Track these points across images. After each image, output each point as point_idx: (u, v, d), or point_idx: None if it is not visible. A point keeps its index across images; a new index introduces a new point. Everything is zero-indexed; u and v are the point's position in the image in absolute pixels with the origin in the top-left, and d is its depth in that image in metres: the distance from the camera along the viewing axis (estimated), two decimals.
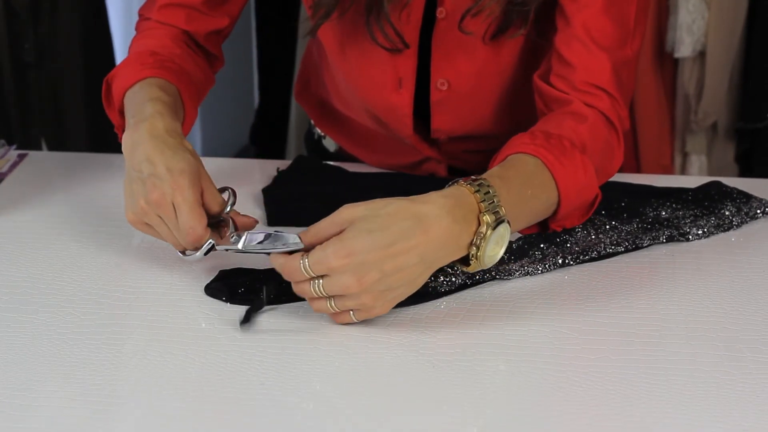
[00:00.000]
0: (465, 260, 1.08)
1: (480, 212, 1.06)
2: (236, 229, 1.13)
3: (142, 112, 1.17)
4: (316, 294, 1.03)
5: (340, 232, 1.03)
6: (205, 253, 1.11)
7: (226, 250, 1.11)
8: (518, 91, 1.35)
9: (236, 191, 1.15)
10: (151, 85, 1.22)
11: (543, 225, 1.22)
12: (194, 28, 1.34)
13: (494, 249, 1.08)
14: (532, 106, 1.31)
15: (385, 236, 1.01)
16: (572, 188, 1.18)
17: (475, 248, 1.06)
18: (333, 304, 1.04)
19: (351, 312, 1.04)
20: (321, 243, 1.03)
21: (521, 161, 1.16)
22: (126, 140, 1.15)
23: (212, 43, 1.37)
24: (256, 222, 1.15)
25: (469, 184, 1.08)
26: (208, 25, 1.35)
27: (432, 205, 1.04)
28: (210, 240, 1.10)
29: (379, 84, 1.36)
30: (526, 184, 1.14)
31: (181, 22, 1.33)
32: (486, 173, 1.12)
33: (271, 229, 1.11)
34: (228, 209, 1.14)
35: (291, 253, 1.05)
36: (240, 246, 1.08)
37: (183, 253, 1.13)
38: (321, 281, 1.02)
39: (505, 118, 1.38)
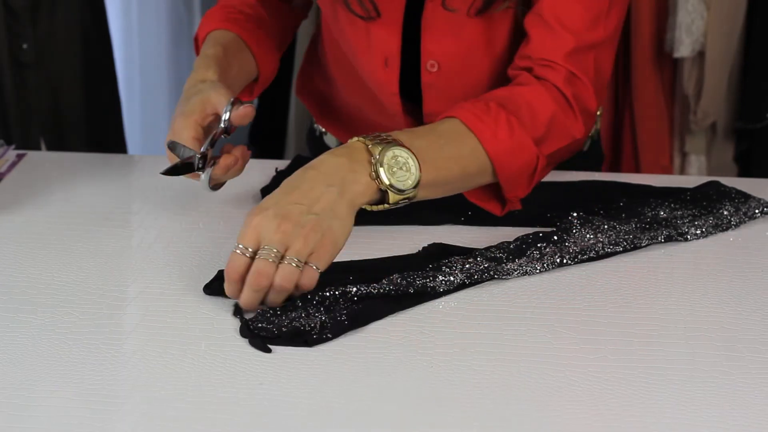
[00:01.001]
0: (383, 198, 1.11)
1: (366, 147, 1.11)
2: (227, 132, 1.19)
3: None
4: (271, 258, 1.04)
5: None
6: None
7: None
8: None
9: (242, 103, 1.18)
10: (208, 42, 1.32)
11: (499, 198, 1.23)
12: None
13: (400, 173, 1.10)
14: None
15: (285, 189, 1.09)
16: (495, 141, 1.18)
17: (375, 174, 1.09)
18: (294, 261, 1.04)
19: (312, 265, 1.06)
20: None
21: (433, 123, 1.20)
22: None
23: None
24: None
25: (359, 139, 1.13)
26: None
27: (315, 159, 1.11)
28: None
29: (366, 56, 1.37)
30: (433, 131, 1.17)
31: None
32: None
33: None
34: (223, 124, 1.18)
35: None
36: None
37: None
38: (262, 250, 1.04)
39: None
